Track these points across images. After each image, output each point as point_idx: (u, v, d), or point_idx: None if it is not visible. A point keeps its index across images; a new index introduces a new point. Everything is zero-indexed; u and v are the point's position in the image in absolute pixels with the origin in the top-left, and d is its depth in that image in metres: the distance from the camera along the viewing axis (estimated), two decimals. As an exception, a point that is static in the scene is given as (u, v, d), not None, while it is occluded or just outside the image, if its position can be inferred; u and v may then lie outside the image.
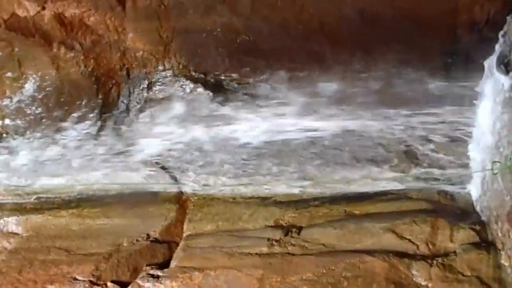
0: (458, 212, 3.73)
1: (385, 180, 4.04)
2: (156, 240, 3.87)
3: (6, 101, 4.79)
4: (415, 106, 4.02)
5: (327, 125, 4.16)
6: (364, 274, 3.10)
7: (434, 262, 3.17)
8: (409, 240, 3.39)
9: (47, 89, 4.68)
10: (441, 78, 3.91)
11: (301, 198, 4.05)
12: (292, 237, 3.56)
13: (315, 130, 4.17)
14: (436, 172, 3.98)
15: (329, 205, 3.89)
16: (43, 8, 4.40)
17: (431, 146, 3.99)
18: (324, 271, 3.14)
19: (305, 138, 4.16)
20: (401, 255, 3.25)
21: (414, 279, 3.08)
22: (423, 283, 3.07)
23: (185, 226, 3.96)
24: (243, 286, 3.14)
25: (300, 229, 3.64)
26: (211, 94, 4.47)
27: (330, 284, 3.04)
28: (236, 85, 4.53)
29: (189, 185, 4.25)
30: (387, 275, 3.09)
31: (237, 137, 4.23)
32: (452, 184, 3.97)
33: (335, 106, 4.16)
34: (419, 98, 4.00)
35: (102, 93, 4.65)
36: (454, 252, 3.25)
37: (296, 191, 4.07)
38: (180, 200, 4.21)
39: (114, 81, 4.68)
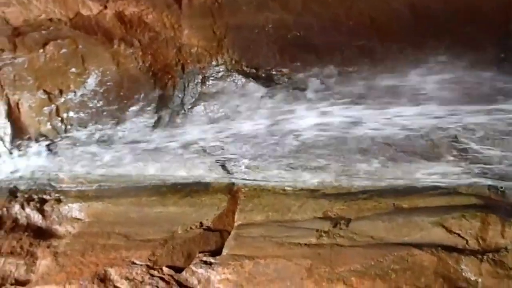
0: (509, 208, 3.57)
1: (434, 174, 3.93)
2: (208, 229, 3.90)
3: (70, 95, 4.96)
4: (467, 101, 3.88)
5: (376, 119, 4.07)
6: (413, 267, 3.02)
7: (485, 257, 3.05)
8: (459, 235, 3.28)
9: (108, 83, 4.80)
10: (493, 72, 3.76)
11: (349, 191, 3.98)
12: (340, 228, 3.51)
13: (363, 125, 4.09)
14: (487, 167, 3.83)
15: (377, 198, 3.80)
16: (105, 7, 4.51)
17: (483, 141, 3.84)
18: (372, 263, 3.08)
19: (353, 132, 4.09)
20: (450, 249, 3.15)
21: (464, 274, 2.98)
22: (473, 278, 2.96)
23: (236, 216, 3.96)
24: (292, 275, 3.12)
25: (348, 221, 3.58)
26: (262, 88, 4.46)
27: (378, 276, 2.98)
28: (286, 80, 4.51)
29: (240, 176, 4.26)
30: (436, 269, 3.00)
31: (288, 130, 4.21)
32: (503, 180, 3.81)
33: (384, 101, 4.07)
34: (471, 93, 3.87)
35: (159, 88, 4.73)
36: (505, 248, 3.12)
37: (344, 184, 4.00)
38: (231, 191, 4.23)
39: (170, 76, 4.75)
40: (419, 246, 3.18)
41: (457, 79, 3.89)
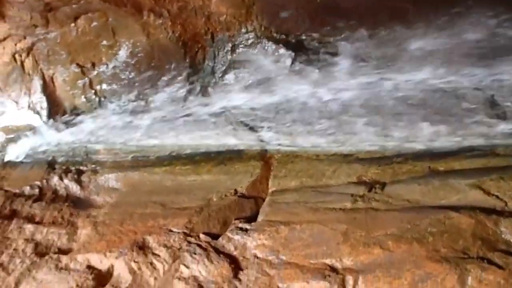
0: (548, 168, 3.46)
1: (470, 136, 3.82)
2: (243, 196, 3.89)
3: (103, 68, 4.98)
4: (504, 61, 3.74)
5: (409, 81, 3.97)
6: (450, 230, 2.95)
7: (525, 219, 2.96)
8: (497, 197, 3.20)
9: (139, 55, 4.80)
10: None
11: (384, 155, 3.91)
12: (375, 193, 3.46)
13: (397, 87, 4.00)
14: (526, 128, 3.71)
15: (412, 161, 3.73)
16: (133, -21, 4.46)
17: (521, 101, 3.71)
18: (409, 227, 3.02)
19: (387, 95, 4.00)
20: (488, 211, 3.06)
21: (503, 236, 2.90)
22: (512, 240, 2.88)
23: (270, 182, 3.94)
24: (328, 240, 3.09)
25: (383, 185, 3.53)
26: (292, 54, 4.41)
27: (415, 239, 2.92)
28: (317, 45, 4.43)
29: (273, 143, 4.24)
30: (474, 231, 2.92)
31: (320, 96, 4.15)
32: (543, 141, 3.69)
33: (417, 63, 3.96)
34: (508, 52, 3.72)
35: (189, 57, 4.71)
36: (545, 209, 3.03)
37: (378, 148, 3.92)
38: (264, 158, 4.20)
39: (200, 45, 4.72)
40: (456, 208, 3.11)
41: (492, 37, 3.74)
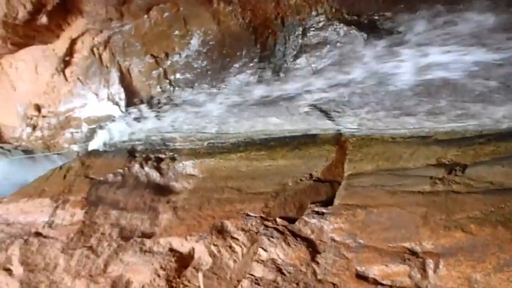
0: None
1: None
2: (318, 180, 3.93)
3: (176, 57, 5.16)
4: None
5: (486, 59, 3.82)
6: (537, 213, 2.87)
7: None
8: None
9: (210, 43, 4.92)
10: None
11: (464, 136, 3.79)
12: (456, 175, 3.38)
13: (474, 65, 3.86)
14: None
15: (495, 142, 3.59)
16: (203, -33, 4.57)
17: None
18: (493, 209, 2.95)
19: (463, 73, 3.88)
20: None
21: None
22: None
23: (345, 166, 3.95)
24: (407, 223, 3.08)
25: (464, 167, 3.44)
26: (365, 35, 4.36)
27: (500, 223, 2.85)
28: (390, 24, 4.35)
29: (348, 126, 4.22)
30: None
31: (394, 76, 4.09)
32: None
33: (495, 39, 3.80)
34: None
35: (260, 43, 4.77)
36: None
37: (458, 129, 3.82)
38: (339, 142, 4.21)
39: (270, 30, 4.77)
40: (544, 190, 3.00)
41: None
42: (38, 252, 4.24)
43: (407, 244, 2.95)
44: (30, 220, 4.80)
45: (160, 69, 5.33)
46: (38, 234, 4.51)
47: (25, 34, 5.51)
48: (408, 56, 4.06)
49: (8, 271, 4.22)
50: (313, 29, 4.57)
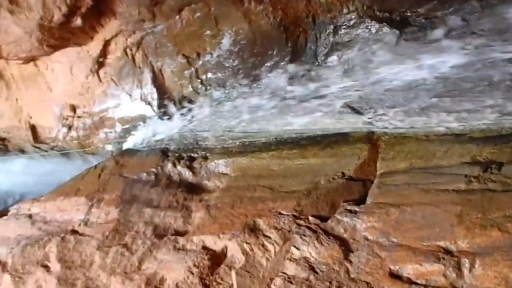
0: None
1: None
2: (350, 178, 3.94)
3: (207, 57, 5.22)
4: None
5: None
6: None
7: None
8: None
9: (242, 42, 4.95)
10: None
11: (500, 134, 3.73)
12: (491, 173, 3.33)
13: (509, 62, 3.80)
14: None
15: (534, 140, 3.53)
16: (234, -33, 4.61)
17: None
18: (530, 208, 2.91)
19: (503, 70, 3.81)
20: None
21: None
22: None
23: (378, 165, 3.94)
24: (441, 222, 3.06)
25: (500, 165, 3.38)
26: (397, 32, 4.33)
27: (538, 222, 2.81)
28: (423, 20, 4.32)
29: (380, 124, 4.20)
30: None
31: (428, 73, 4.05)
32: None
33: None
34: None
35: (291, 42, 4.79)
36: None
37: (494, 126, 3.76)
38: (371, 140, 4.19)
39: (301, 29, 4.79)
40: None
41: None
42: (75, 249, 4.35)
43: (441, 243, 2.93)
44: (66, 218, 4.93)
45: (192, 69, 5.39)
46: (74, 232, 4.63)
47: (61, 36, 5.64)
48: (441, 53, 4.01)
49: (46, 267, 4.35)
50: (344, 27, 4.56)
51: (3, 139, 8.25)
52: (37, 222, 5.14)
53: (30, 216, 5.33)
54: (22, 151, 8.43)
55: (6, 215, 5.65)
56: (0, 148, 8.51)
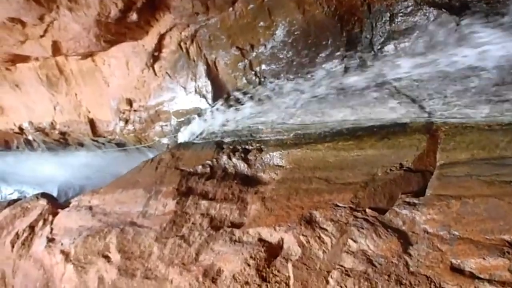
0: None
1: None
2: (409, 170, 3.87)
3: (261, 49, 5.26)
4: None
5: None
6: None
7: None
8: None
9: (295, 33, 4.96)
10: None
11: None
12: (562, 165, 3.22)
13: None
14: None
15: None
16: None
17: None
18: None
19: None
20: None
21: None
22: None
23: (438, 156, 3.86)
24: (505, 215, 2.98)
25: None
26: (457, 18, 4.22)
27: None
28: (484, 5, 4.18)
29: (439, 114, 4.11)
30: None
31: (489, 61, 3.93)
32: None
33: None
34: None
35: (346, 31, 4.75)
36: None
37: None
38: (430, 130, 4.10)
39: (356, 18, 4.74)
40: None
41: None
42: (134, 240, 4.51)
43: (506, 237, 2.86)
44: (125, 210, 5.12)
45: (246, 61, 5.45)
46: (133, 224, 4.80)
47: (117, 32, 5.84)
48: (504, 39, 3.89)
49: (107, 258, 4.54)
50: (401, 14, 4.49)
51: (64, 133, 8.64)
52: (97, 214, 5.36)
53: (90, 208, 5.57)
54: (81, 144, 8.78)
55: (68, 206, 5.93)
56: (60, 141, 8.90)
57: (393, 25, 4.52)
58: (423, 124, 4.18)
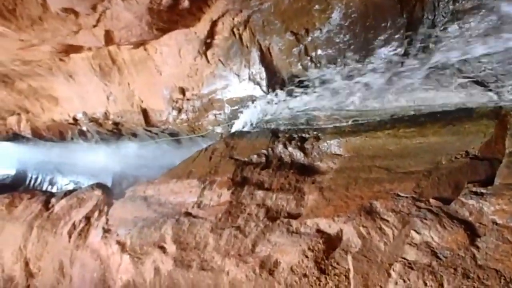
0: None
1: None
2: (475, 157, 3.81)
3: (316, 33, 5.23)
4: None
5: None
6: None
7: None
8: None
9: (352, 15, 4.90)
10: None
11: None
12: None
13: None
14: None
15: None
16: None
17: None
18: None
19: None
20: None
21: None
22: None
23: (507, 142, 3.78)
24: None
25: None
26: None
27: None
28: None
29: (508, 98, 3.99)
30: None
31: None
32: None
33: None
34: None
35: (406, 12, 4.65)
36: None
37: None
38: (498, 116, 4.01)
39: (417, -3, 4.63)
40: None
41: None
42: (189, 231, 4.64)
43: None
44: (180, 200, 5.26)
45: (301, 46, 5.43)
46: (188, 214, 4.93)
47: (169, 19, 5.94)
48: None
49: (163, 248, 4.69)
50: (466, -8, 4.36)
51: (117, 123, 8.91)
52: (152, 204, 5.54)
53: (145, 198, 5.75)
54: (134, 134, 9.03)
55: (122, 197, 6.15)
56: (114, 132, 9.18)
57: (457, 4, 4.39)
58: (491, 109, 4.10)
